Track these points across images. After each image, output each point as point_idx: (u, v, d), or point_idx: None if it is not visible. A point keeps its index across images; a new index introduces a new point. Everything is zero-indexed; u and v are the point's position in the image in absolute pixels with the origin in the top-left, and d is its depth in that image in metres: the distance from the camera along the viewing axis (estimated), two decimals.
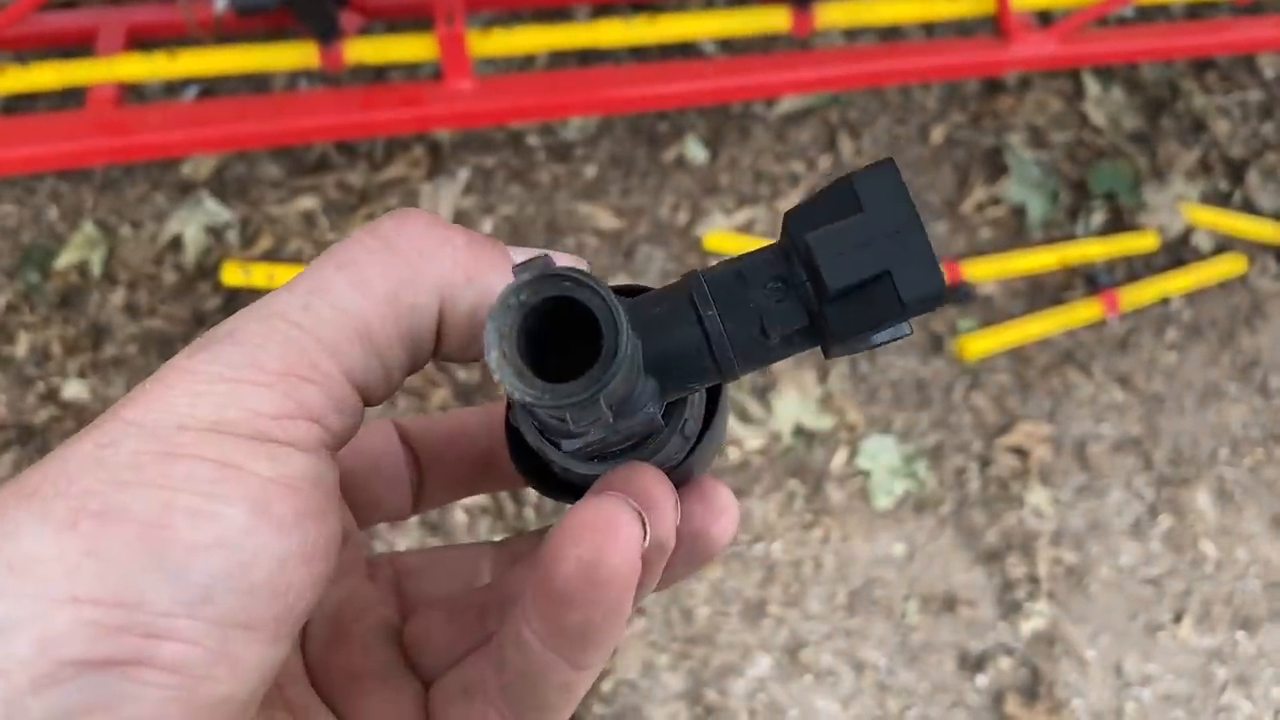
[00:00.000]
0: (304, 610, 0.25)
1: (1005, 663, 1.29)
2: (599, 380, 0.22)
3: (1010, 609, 1.32)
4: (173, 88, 1.49)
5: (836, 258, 0.24)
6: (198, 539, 0.23)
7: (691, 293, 0.26)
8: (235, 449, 0.23)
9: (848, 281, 0.24)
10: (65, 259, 1.41)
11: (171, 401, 0.24)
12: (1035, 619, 1.31)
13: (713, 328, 0.25)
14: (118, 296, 1.40)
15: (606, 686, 1.24)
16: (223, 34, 1.25)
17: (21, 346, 1.38)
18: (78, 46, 1.29)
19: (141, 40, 1.29)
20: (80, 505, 0.22)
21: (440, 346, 0.27)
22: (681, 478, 0.29)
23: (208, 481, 0.23)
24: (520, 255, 0.28)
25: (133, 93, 1.46)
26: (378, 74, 1.50)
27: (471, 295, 0.27)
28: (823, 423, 1.39)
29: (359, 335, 0.25)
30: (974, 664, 1.29)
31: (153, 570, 0.22)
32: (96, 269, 1.41)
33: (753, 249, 0.26)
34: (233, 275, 1.35)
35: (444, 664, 0.32)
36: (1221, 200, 1.58)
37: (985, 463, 1.40)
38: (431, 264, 0.26)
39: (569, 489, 0.29)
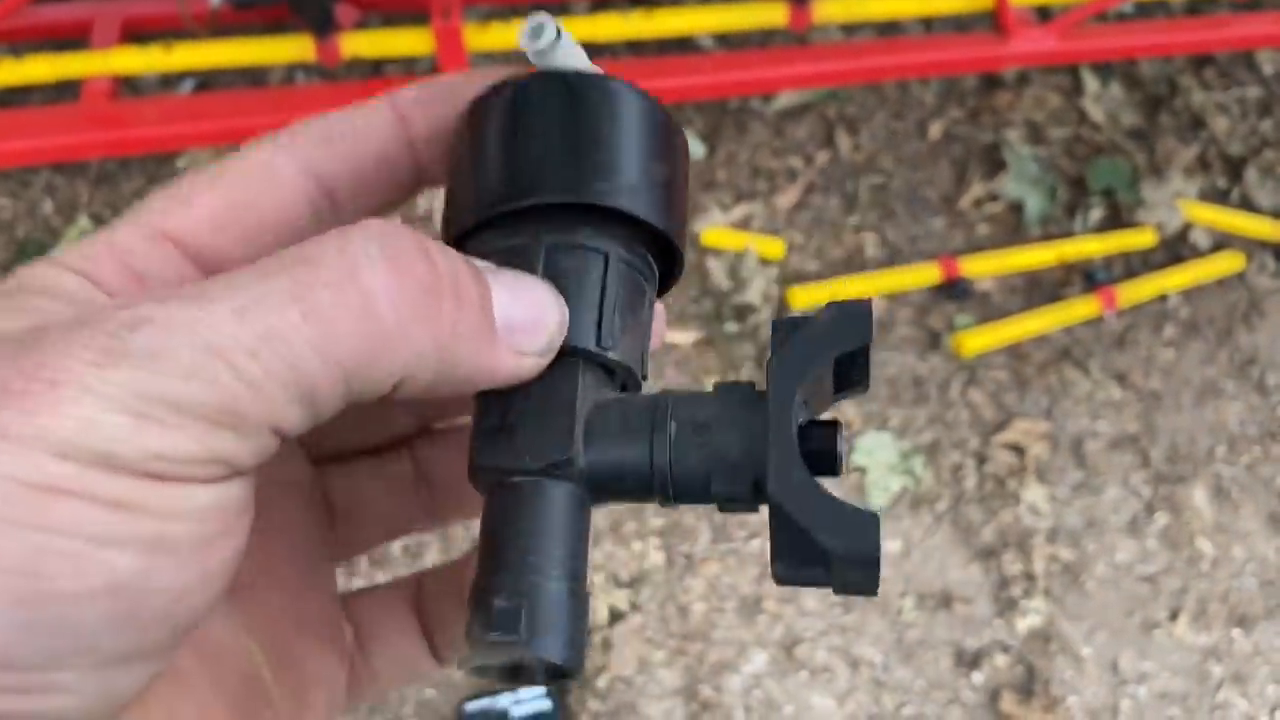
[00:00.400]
0: (199, 621, 0.23)
1: (1001, 660, 1.29)
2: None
3: (1006, 606, 1.32)
4: (168, 81, 1.49)
5: (791, 571, 0.25)
6: (80, 588, 0.20)
7: (654, 434, 0.26)
8: (127, 488, 0.20)
9: (795, 583, 0.25)
10: (60, 253, 1.41)
11: (61, 419, 0.20)
12: (1031, 616, 1.31)
13: (660, 476, 0.26)
14: None
15: (602, 683, 1.23)
16: (219, 27, 1.25)
17: None
18: (72, 39, 1.28)
19: (137, 33, 1.28)
20: None
21: (386, 398, 0.25)
22: None
23: (92, 524, 0.20)
24: (498, 285, 0.25)
25: (128, 86, 1.45)
26: (374, 68, 1.49)
27: (437, 367, 0.24)
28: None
29: (301, 397, 0.22)
30: (970, 661, 1.29)
31: (24, 626, 0.20)
32: None
33: (729, 403, 0.26)
34: None
35: (374, 536, 0.33)
36: (1220, 197, 1.58)
37: (982, 460, 1.40)
38: (410, 343, 0.23)
39: None
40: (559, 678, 0.25)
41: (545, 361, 0.26)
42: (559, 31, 0.28)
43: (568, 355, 0.26)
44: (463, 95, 0.29)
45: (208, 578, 0.22)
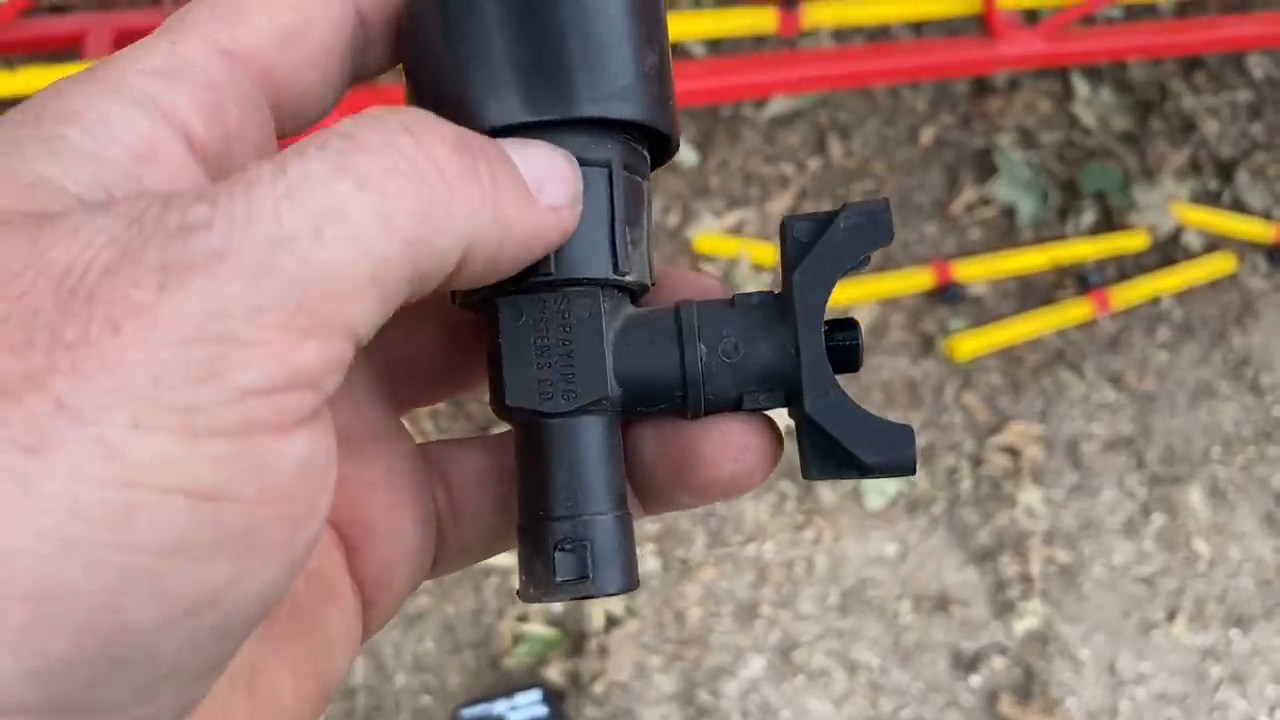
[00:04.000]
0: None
1: (998, 662, 1.29)
2: None
3: (1003, 608, 1.31)
4: None
5: (826, 474, 0.26)
6: (166, 615, 0.17)
7: (684, 358, 0.26)
8: (214, 463, 0.18)
9: (827, 479, 0.26)
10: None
11: (131, 372, 0.17)
12: (1028, 618, 1.31)
13: (693, 397, 0.26)
14: None
15: (599, 688, 1.23)
16: None
17: None
18: (66, 51, 1.29)
19: (129, 44, 1.29)
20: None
21: (446, 285, 0.22)
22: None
23: (178, 528, 0.17)
24: (515, 151, 0.23)
25: None
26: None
27: (495, 230, 0.22)
28: None
29: (373, 279, 0.19)
30: (967, 664, 1.29)
31: (109, 663, 0.17)
32: None
33: (753, 318, 0.26)
34: None
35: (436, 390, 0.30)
36: (1211, 199, 1.58)
37: (977, 462, 1.40)
38: (464, 202, 0.21)
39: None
40: (617, 594, 0.26)
41: (579, 210, 0.25)
42: None
43: (586, 284, 0.26)
44: None
45: (295, 565, 0.19)
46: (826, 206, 1.59)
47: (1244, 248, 1.55)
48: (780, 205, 1.52)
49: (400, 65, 0.27)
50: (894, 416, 1.43)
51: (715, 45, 1.53)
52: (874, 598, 1.31)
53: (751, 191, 1.53)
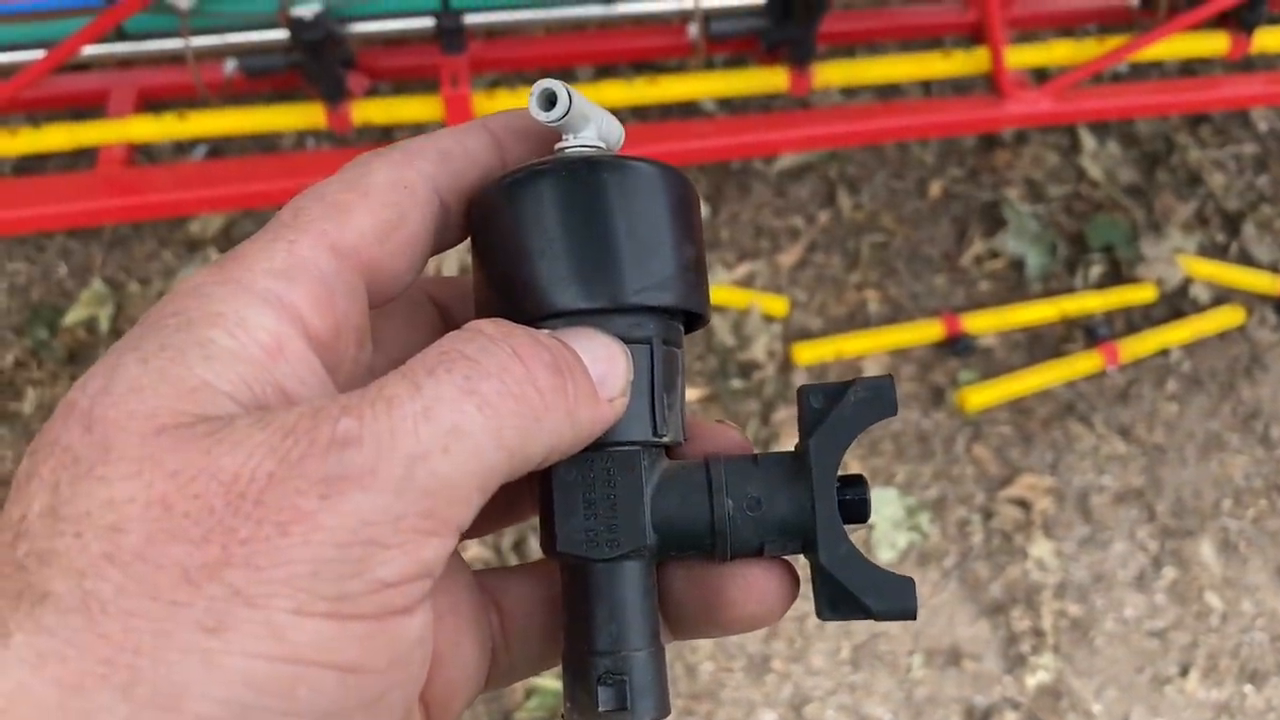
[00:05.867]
0: None
1: (1011, 717, 1.28)
2: None
3: (1015, 662, 1.31)
4: (182, 147, 1.52)
5: (838, 616, 0.29)
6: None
7: (713, 513, 0.29)
8: (355, 641, 0.22)
9: (838, 620, 0.29)
10: (74, 316, 1.43)
11: (295, 567, 0.21)
12: (1040, 672, 1.30)
13: (720, 545, 0.29)
14: None
15: None
16: (231, 95, 1.28)
17: (29, 403, 1.39)
18: (89, 108, 1.31)
19: (151, 102, 1.31)
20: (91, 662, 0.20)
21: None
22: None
23: (328, 696, 0.21)
24: (578, 347, 0.27)
25: (143, 153, 1.48)
26: (384, 134, 1.52)
27: (572, 433, 0.26)
28: None
29: (481, 486, 0.24)
30: (980, 718, 1.28)
31: None
32: (105, 325, 1.43)
33: (774, 476, 0.29)
34: None
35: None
36: (1218, 252, 1.59)
37: (988, 515, 1.40)
38: (553, 417, 0.25)
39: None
40: None
41: (627, 399, 0.28)
42: (571, 99, 0.28)
43: (629, 446, 0.29)
44: (548, 138, 0.30)
45: (405, 713, 0.24)
46: (837, 259, 1.60)
47: (1252, 300, 1.56)
48: (791, 257, 1.54)
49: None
50: (904, 468, 1.44)
51: (727, 103, 1.55)
52: (885, 652, 1.31)
53: (762, 244, 1.55)
